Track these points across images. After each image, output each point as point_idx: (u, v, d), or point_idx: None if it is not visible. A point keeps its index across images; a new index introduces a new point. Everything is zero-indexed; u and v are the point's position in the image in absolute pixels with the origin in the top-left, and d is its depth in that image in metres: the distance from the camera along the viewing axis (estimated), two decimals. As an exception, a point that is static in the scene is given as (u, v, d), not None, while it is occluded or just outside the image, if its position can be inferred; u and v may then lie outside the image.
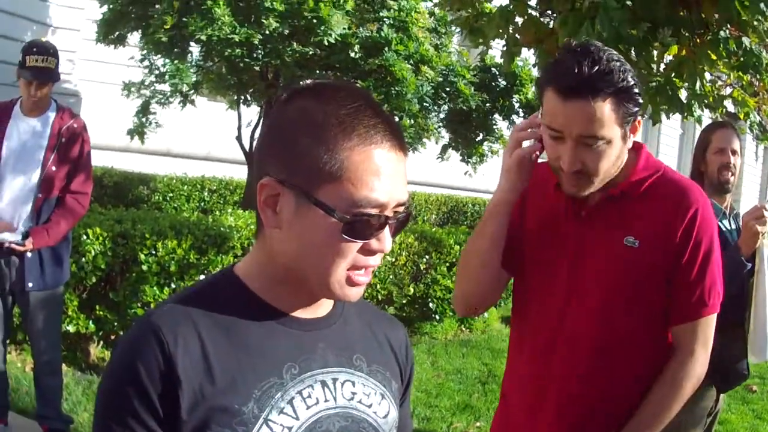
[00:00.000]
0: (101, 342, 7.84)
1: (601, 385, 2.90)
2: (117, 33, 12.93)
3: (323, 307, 1.88)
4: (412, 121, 12.73)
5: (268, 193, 1.74)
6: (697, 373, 2.97)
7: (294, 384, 1.75)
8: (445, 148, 15.05)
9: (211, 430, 1.63)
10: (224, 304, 1.77)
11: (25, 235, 5.75)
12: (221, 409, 1.65)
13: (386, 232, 1.75)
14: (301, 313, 1.83)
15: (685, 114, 6.40)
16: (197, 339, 1.69)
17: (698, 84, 6.11)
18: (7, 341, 6.17)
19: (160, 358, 1.64)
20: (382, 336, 2.03)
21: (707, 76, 6.53)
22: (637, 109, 2.76)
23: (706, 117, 7.17)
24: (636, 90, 2.75)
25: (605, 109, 2.64)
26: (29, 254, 5.77)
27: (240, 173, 17.22)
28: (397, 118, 11.34)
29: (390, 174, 1.71)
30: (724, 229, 4.65)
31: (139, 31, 12.61)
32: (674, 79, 6.13)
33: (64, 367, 6.53)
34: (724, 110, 7.22)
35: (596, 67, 2.61)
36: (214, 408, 1.65)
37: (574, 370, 2.90)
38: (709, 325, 2.96)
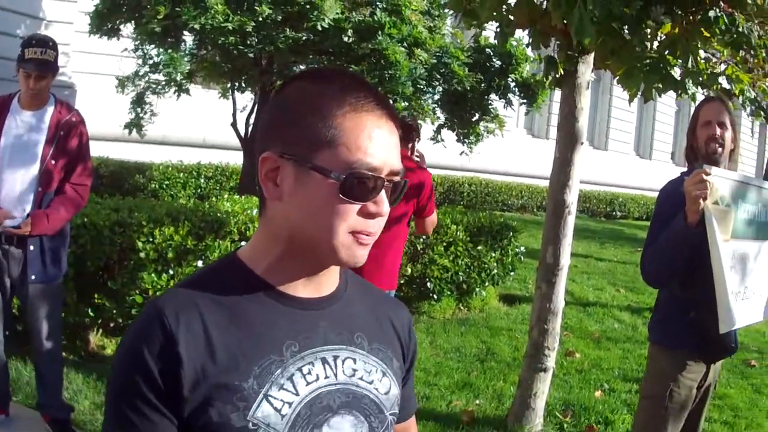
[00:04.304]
0: (100, 330, 7.87)
1: None
2: (110, 24, 13.02)
3: (326, 286, 1.94)
4: (407, 104, 12.77)
5: (269, 167, 1.81)
6: None
7: (294, 361, 1.80)
8: (439, 129, 15.04)
9: (214, 407, 1.70)
10: (227, 286, 1.83)
11: (25, 219, 5.77)
12: (222, 386, 1.71)
13: (383, 194, 1.81)
14: (304, 293, 1.89)
15: (679, 91, 6.39)
16: (200, 320, 1.75)
17: (691, 61, 6.09)
18: (7, 332, 6.17)
19: (162, 338, 1.71)
20: (384, 316, 2.09)
21: (701, 53, 6.52)
22: None
23: (702, 94, 7.18)
24: None
25: None
26: (31, 247, 5.81)
27: (236, 159, 17.29)
28: (391, 101, 11.40)
29: (382, 140, 1.81)
30: None
31: (132, 22, 12.66)
32: (668, 56, 6.11)
33: (63, 355, 6.54)
34: (718, 87, 7.21)
35: None
36: (215, 385, 1.71)
37: None
38: None
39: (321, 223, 1.78)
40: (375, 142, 1.79)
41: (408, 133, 7.39)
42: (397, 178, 1.84)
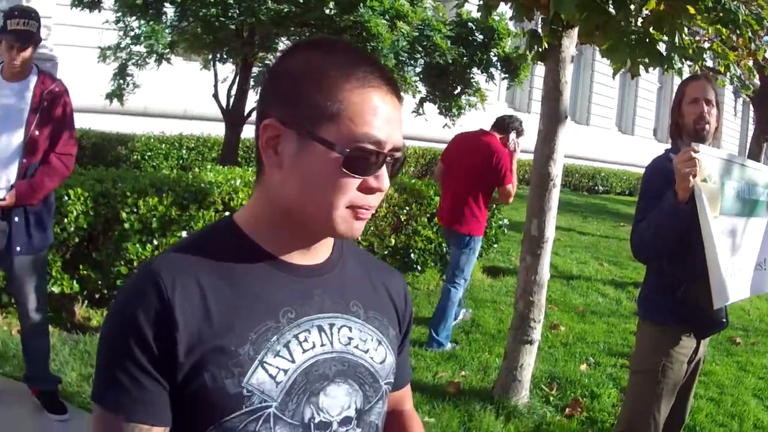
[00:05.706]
0: (86, 301, 7.84)
1: None
2: (92, -3, 12.91)
3: (321, 254, 1.93)
4: (389, 76, 12.82)
5: (270, 134, 1.77)
6: None
7: (290, 328, 1.79)
8: (421, 102, 15.06)
9: (208, 371, 1.68)
10: (223, 250, 1.81)
11: (9, 190, 5.68)
12: (218, 350, 1.69)
13: (384, 170, 1.79)
14: (299, 260, 1.87)
15: (666, 66, 6.36)
16: (196, 284, 1.73)
17: (677, 37, 6.07)
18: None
19: (157, 302, 1.68)
20: (380, 284, 2.08)
21: (686, 30, 6.48)
22: None
23: (689, 69, 7.14)
24: None
25: None
26: (16, 219, 5.72)
27: (217, 130, 17.30)
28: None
29: (386, 116, 1.77)
30: None
31: (114, -6, 12.58)
32: (653, 32, 6.10)
33: (50, 328, 6.51)
34: (703, 63, 7.18)
35: None
36: (211, 349, 1.69)
37: None
38: None
39: (320, 196, 1.76)
40: (379, 117, 1.76)
41: (504, 125, 9.06)
42: (398, 154, 1.82)
